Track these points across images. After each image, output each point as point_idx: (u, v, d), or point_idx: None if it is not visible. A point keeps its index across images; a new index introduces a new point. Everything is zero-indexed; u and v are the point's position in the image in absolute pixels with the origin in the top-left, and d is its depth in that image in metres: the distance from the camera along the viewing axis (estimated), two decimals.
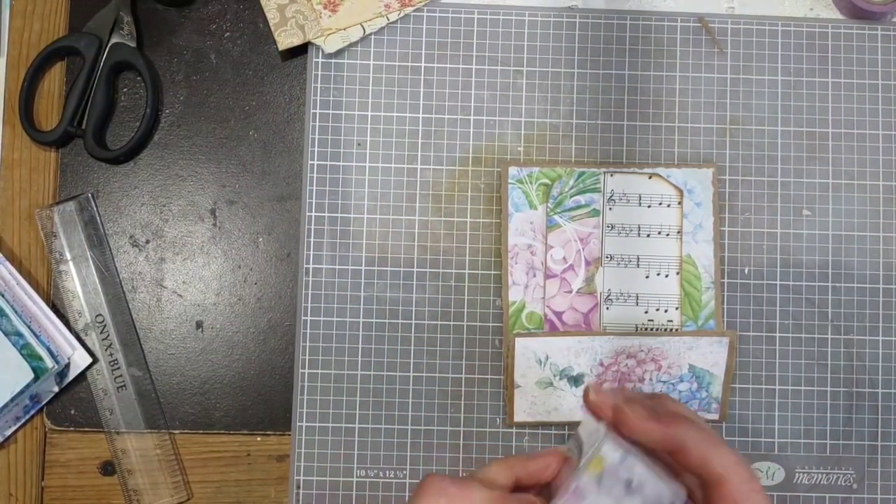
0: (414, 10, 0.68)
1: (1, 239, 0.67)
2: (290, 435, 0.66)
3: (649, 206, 0.67)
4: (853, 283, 0.67)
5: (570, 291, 0.66)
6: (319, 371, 0.66)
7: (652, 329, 0.66)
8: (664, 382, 0.65)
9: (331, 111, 0.68)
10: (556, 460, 0.50)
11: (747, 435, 0.66)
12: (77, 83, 0.67)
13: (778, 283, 0.67)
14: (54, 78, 0.69)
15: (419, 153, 0.68)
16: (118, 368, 0.66)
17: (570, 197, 0.67)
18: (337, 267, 0.67)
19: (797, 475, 0.66)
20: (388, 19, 0.68)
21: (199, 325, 0.67)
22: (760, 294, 0.67)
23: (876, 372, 0.67)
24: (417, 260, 0.67)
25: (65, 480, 0.66)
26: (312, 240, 0.67)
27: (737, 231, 0.68)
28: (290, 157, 0.69)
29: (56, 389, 0.66)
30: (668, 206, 0.67)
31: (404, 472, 0.66)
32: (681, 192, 0.67)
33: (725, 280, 0.67)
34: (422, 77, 0.68)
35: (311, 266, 0.67)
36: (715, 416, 0.66)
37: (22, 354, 0.64)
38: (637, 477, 0.46)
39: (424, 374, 0.66)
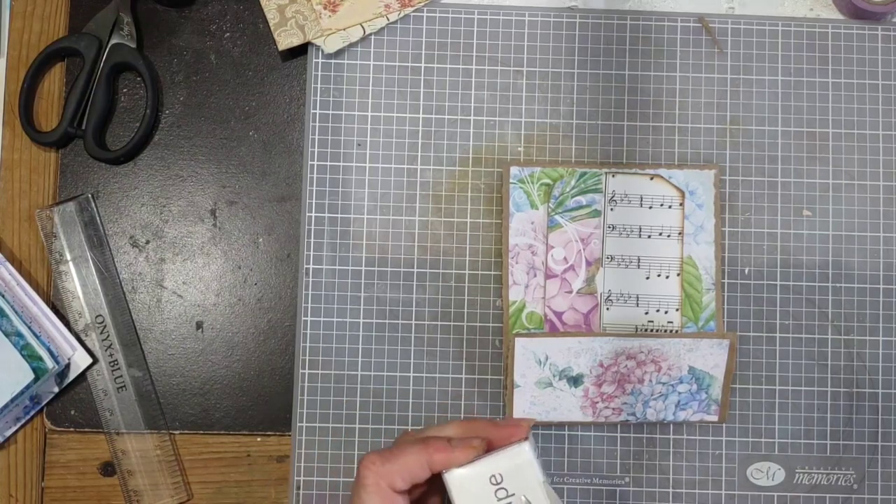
0: (414, 10, 0.68)
1: (1, 240, 0.67)
2: (290, 435, 0.66)
3: (650, 208, 0.67)
4: (853, 283, 0.67)
5: (571, 292, 0.66)
6: (319, 371, 0.66)
7: (652, 330, 0.66)
8: (664, 384, 0.65)
9: (331, 111, 0.68)
10: (521, 432, 0.50)
11: (747, 435, 0.66)
12: (77, 84, 0.67)
13: (778, 283, 0.67)
14: (54, 79, 0.69)
15: (419, 153, 0.68)
16: (118, 369, 0.66)
17: (572, 197, 0.67)
18: (337, 267, 0.67)
19: (797, 475, 0.66)
20: (388, 19, 0.68)
21: (199, 325, 0.67)
22: (760, 294, 0.67)
23: (876, 372, 0.67)
24: (417, 260, 0.67)
25: (65, 481, 0.66)
26: (312, 240, 0.67)
27: (737, 231, 0.68)
28: (290, 157, 0.69)
29: (56, 390, 0.66)
30: (670, 207, 0.67)
31: None
32: (682, 193, 0.67)
33: (726, 280, 0.67)
34: (422, 77, 0.68)
35: (311, 266, 0.67)
36: (714, 418, 0.66)
37: (22, 355, 0.64)
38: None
39: (424, 375, 0.66)
